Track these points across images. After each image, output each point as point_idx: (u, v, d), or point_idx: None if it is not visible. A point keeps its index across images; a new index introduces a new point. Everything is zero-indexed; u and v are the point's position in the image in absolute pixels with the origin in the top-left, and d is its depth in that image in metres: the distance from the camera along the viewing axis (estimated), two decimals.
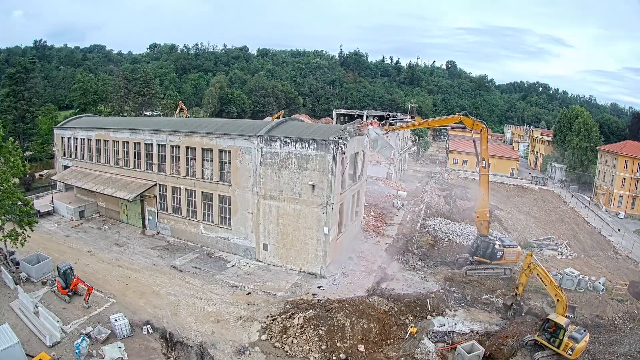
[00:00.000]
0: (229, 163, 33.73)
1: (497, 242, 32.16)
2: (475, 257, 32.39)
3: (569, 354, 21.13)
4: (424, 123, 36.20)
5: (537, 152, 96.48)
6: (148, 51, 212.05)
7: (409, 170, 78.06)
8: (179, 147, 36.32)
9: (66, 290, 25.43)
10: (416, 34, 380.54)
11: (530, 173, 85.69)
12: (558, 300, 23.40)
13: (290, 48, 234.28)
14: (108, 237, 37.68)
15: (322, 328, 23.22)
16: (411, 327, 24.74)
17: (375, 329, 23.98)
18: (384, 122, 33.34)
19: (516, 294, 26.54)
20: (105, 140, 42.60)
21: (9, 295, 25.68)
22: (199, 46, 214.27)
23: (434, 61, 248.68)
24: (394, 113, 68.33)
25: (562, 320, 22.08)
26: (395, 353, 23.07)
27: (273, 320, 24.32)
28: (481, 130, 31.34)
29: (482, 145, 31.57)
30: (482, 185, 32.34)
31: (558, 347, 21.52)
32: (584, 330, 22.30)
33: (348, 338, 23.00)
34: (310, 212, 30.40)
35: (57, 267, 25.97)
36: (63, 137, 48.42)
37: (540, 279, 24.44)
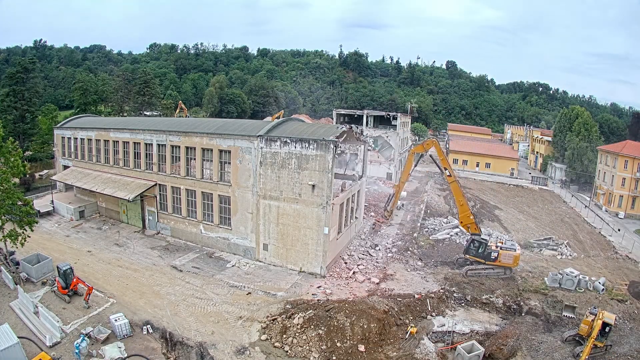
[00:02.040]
0: (229, 163, 33.73)
1: (491, 243, 32.15)
2: (467, 256, 32.38)
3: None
4: (401, 184, 39.01)
5: (537, 152, 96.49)
6: (148, 51, 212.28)
7: None
8: (179, 147, 36.33)
9: (66, 290, 25.43)
10: None
11: (530, 173, 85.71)
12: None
13: (290, 48, 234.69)
14: (108, 237, 37.68)
15: (322, 328, 23.23)
16: (411, 327, 24.76)
17: (375, 329, 23.98)
18: (384, 209, 41.17)
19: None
20: (105, 140, 42.61)
21: (9, 295, 25.69)
22: (199, 46, 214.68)
23: (434, 61, 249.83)
24: (394, 113, 68.16)
25: (612, 318, 23.85)
26: (395, 353, 23.07)
27: (273, 320, 24.32)
28: (433, 144, 33.54)
29: (439, 156, 33.12)
30: (456, 193, 32.81)
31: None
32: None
33: (348, 338, 23.00)
34: (310, 212, 30.40)
35: (57, 267, 25.97)
36: (63, 137, 48.43)
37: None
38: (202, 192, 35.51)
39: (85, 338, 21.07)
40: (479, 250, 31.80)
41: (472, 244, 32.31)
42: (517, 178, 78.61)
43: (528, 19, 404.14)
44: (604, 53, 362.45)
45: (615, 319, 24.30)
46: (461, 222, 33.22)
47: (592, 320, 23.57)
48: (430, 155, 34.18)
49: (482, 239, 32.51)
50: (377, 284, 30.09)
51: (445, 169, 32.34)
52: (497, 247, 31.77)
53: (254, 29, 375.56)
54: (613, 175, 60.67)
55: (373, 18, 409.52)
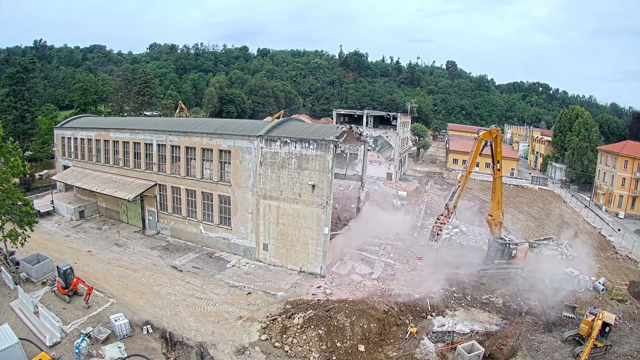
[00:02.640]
0: (229, 163, 33.74)
1: (509, 242, 32.59)
2: (497, 261, 32.22)
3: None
4: (467, 174, 32.11)
5: (537, 152, 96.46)
6: (148, 51, 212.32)
7: (408, 170, 78.07)
8: (179, 147, 36.33)
9: (66, 290, 25.43)
10: None
11: (530, 173, 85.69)
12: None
13: (290, 48, 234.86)
14: (108, 237, 37.69)
15: (322, 328, 23.24)
16: (411, 327, 24.77)
17: (375, 329, 23.99)
18: (446, 207, 32.30)
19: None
20: (105, 140, 42.62)
21: (9, 295, 25.69)
22: (199, 46, 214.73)
23: (434, 61, 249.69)
24: (394, 113, 68.13)
25: (612, 318, 23.85)
26: (395, 353, 23.09)
27: (273, 320, 24.34)
28: (496, 135, 31.92)
29: (497, 148, 32.10)
30: (498, 188, 32.48)
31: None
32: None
33: (348, 338, 23.01)
34: (310, 212, 30.40)
35: (57, 267, 25.97)
36: (63, 137, 48.44)
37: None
38: (202, 192, 35.51)
39: (85, 338, 21.07)
40: (505, 252, 31.88)
41: (499, 248, 31.93)
42: (517, 178, 78.59)
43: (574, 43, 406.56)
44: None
45: (616, 319, 24.30)
46: (493, 219, 32.94)
47: (592, 320, 23.58)
48: (491, 145, 33.10)
49: (506, 240, 32.79)
50: (377, 284, 30.09)
51: (498, 161, 32.12)
52: (514, 244, 32.13)
53: (300, 36, 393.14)
54: (613, 175, 60.65)
55: (416, 33, 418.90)
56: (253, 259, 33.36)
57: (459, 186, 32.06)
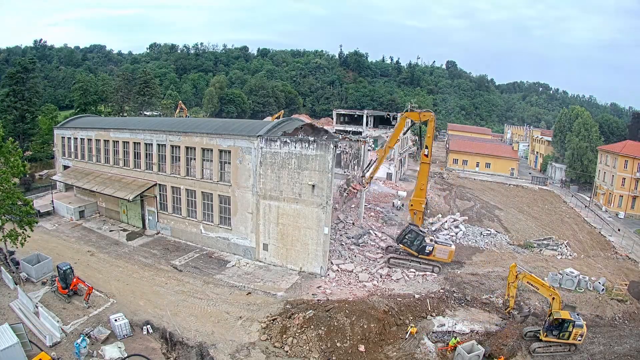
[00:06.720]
0: (229, 163, 33.74)
1: (428, 237, 31.58)
2: (400, 246, 31.76)
3: (579, 340, 23.57)
4: (387, 149, 34.99)
5: (537, 152, 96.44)
6: (148, 51, 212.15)
7: (408, 171, 78.04)
8: (179, 147, 36.33)
9: (66, 290, 25.43)
10: None
11: (530, 173, 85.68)
12: (554, 298, 24.13)
13: (290, 48, 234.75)
14: (108, 237, 37.69)
15: (322, 328, 23.24)
16: (411, 327, 24.77)
17: (375, 329, 23.99)
18: (362, 175, 36.49)
19: (511, 307, 26.76)
20: (105, 140, 42.62)
21: (9, 295, 25.67)
22: (199, 46, 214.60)
23: (434, 61, 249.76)
24: (394, 113, 68.06)
25: (567, 315, 23.58)
26: (395, 353, 23.09)
27: (273, 320, 24.35)
28: (429, 117, 31.74)
29: (427, 133, 31.80)
30: (421, 174, 31.82)
31: (568, 339, 23.40)
32: (578, 315, 24.85)
33: (348, 338, 23.01)
34: (310, 212, 30.40)
35: (57, 267, 25.98)
36: (63, 137, 48.46)
37: (531, 284, 25.17)
38: (202, 192, 35.52)
39: (85, 338, 21.08)
40: (414, 242, 31.21)
41: (408, 234, 31.54)
42: (517, 178, 78.58)
43: None
44: None
45: (570, 314, 24.04)
46: (411, 206, 32.44)
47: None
48: (420, 127, 33.33)
49: (421, 230, 31.91)
50: (377, 284, 30.10)
51: (427, 147, 31.66)
52: (432, 241, 31.19)
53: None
54: (613, 175, 60.59)
55: None
56: (253, 259, 33.37)
57: (377, 159, 34.28)
